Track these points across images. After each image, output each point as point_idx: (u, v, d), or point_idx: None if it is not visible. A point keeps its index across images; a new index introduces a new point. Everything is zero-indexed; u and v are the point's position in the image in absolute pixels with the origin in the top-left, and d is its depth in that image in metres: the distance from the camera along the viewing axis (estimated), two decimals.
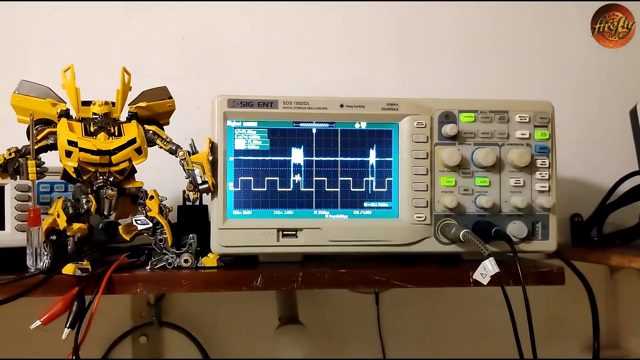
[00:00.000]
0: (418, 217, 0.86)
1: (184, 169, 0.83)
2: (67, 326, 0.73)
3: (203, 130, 0.86)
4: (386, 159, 0.88)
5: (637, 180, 1.10)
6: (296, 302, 1.11)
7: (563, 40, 1.26)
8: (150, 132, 0.84)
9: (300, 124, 0.86)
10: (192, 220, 0.97)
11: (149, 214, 0.82)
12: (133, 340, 1.13)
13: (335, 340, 1.20)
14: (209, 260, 0.84)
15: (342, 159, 0.87)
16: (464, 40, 1.24)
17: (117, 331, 1.12)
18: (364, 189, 0.87)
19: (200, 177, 0.82)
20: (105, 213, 0.82)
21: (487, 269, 0.76)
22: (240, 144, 0.85)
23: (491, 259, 0.77)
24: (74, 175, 0.81)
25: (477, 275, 0.78)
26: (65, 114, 0.82)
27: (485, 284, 0.77)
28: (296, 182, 0.86)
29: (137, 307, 1.13)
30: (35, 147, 0.79)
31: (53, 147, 0.81)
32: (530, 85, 1.24)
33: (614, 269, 1.23)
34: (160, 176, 0.91)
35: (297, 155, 0.86)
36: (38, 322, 0.73)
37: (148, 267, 0.83)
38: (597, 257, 1.04)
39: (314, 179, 0.86)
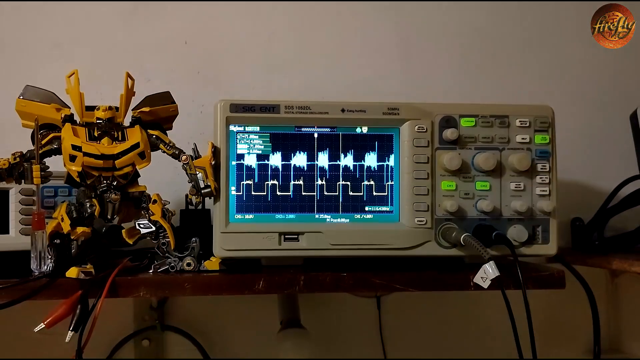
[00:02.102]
0: (419, 221, 0.86)
1: (187, 174, 0.83)
2: (71, 329, 0.73)
3: (205, 135, 0.87)
4: (387, 163, 0.88)
5: (638, 184, 1.11)
6: (298, 305, 1.12)
7: (563, 44, 1.26)
8: (154, 136, 0.84)
9: (302, 129, 0.87)
10: (194, 224, 0.98)
11: (152, 217, 0.83)
12: (136, 344, 1.14)
13: (336, 343, 1.20)
14: (211, 264, 0.85)
15: (344, 163, 0.88)
16: (465, 45, 1.24)
17: (120, 335, 1.13)
18: (365, 193, 0.88)
19: (203, 181, 0.83)
20: (109, 217, 0.83)
21: (488, 272, 0.77)
22: (242, 149, 0.86)
23: (491, 262, 0.77)
24: (77, 180, 0.81)
25: (477, 279, 0.78)
26: (70, 118, 0.83)
27: (485, 287, 0.78)
28: (298, 186, 0.87)
29: (140, 310, 1.14)
30: (40, 151, 0.80)
31: (57, 151, 0.82)
32: (531, 89, 1.25)
33: (615, 273, 1.23)
34: (163, 180, 0.92)
35: (299, 160, 0.87)
36: (42, 325, 0.74)
37: (151, 271, 0.84)
38: (598, 261, 1.04)
39: (316, 183, 0.87)
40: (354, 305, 1.18)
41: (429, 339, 1.22)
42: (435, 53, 1.24)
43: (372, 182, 0.88)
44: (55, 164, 0.83)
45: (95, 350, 1.09)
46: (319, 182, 0.87)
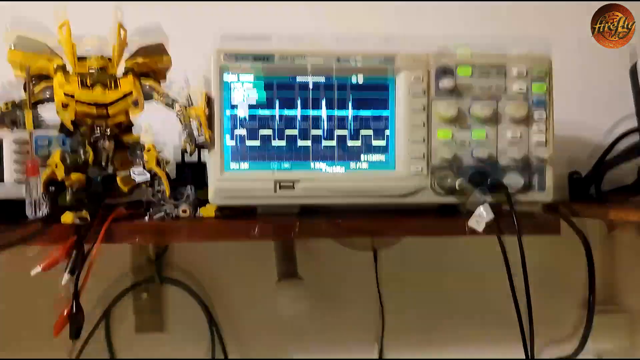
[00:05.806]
0: (415, 168, 0.86)
1: (181, 123, 0.83)
2: (67, 272, 0.74)
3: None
4: (383, 112, 0.87)
5: (636, 137, 1.10)
6: (295, 257, 1.12)
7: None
8: (147, 86, 0.84)
9: (297, 78, 0.86)
10: (191, 177, 0.97)
11: (147, 165, 0.83)
12: (134, 296, 1.14)
13: (334, 295, 1.20)
14: (207, 211, 0.85)
15: (339, 112, 0.87)
16: None
17: (118, 288, 1.13)
18: (360, 143, 0.87)
19: (197, 130, 0.83)
20: (103, 164, 0.83)
21: (482, 215, 0.77)
22: (237, 98, 0.85)
23: (486, 204, 0.77)
24: (71, 128, 0.81)
25: (472, 222, 0.78)
26: (62, 68, 0.82)
27: (480, 230, 0.78)
28: (293, 135, 0.86)
29: (138, 263, 1.14)
30: (33, 100, 0.80)
31: (50, 100, 0.81)
32: (530, 39, 1.23)
33: (612, 226, 1.23)
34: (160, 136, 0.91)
35: (294, 109, 0.86)
36: (38, 268, 0.74)
37: (147, 218, 0.84)
38: (595, 212, 1.04)
39: (311, 132, 0.87)
40: (352, 259, 1.19)
41: (425, 289, 1.22)
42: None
43: (368, 131, 0.87)
44: (49, 115, 0.82)
45: (93, 305, 1.10)
46: (314, 131, 0.87)
